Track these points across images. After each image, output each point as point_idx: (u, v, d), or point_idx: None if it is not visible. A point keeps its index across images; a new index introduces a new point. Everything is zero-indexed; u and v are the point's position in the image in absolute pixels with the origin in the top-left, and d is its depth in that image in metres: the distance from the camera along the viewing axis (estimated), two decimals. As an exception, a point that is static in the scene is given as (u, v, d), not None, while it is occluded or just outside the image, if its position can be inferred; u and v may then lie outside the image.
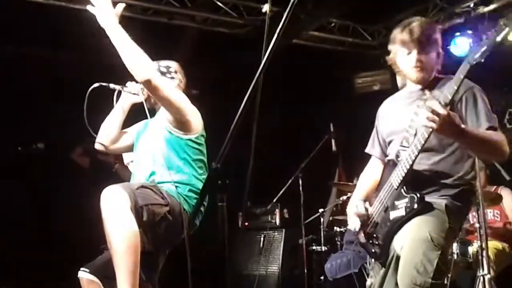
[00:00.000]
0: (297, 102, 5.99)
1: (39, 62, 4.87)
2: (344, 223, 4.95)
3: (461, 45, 5.16)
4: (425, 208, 2.36)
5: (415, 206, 2.35)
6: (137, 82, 2.85)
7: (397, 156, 2.48)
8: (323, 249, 4.96)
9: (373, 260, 2.59)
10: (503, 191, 4.85)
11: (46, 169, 4.74)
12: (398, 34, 2.49)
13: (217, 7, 5.22)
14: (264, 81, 1.79)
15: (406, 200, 2.39)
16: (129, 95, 3.07)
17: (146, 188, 2.71)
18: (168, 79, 3.05)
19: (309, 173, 5.11)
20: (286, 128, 5.86)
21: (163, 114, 2.93)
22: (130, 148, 3.16)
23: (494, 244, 4.53)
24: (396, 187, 2.44)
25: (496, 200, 4.67)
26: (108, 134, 3.12)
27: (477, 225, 4.13)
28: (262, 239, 5.39)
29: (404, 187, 2.41)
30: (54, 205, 4.83)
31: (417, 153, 2.32)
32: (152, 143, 2.93)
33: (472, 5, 5.30)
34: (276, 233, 5.44)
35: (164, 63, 3.11)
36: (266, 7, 1.94)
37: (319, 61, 5.75)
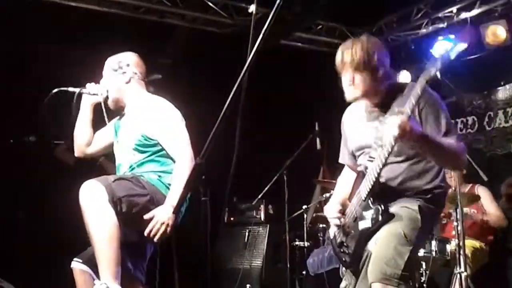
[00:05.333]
0: (283, 101, 6.05)
1: (34, 56, 4.89)
2: (327, 219, 5.03)
3: (443, 49, 5.27)
4: (390, 219, 2.43)
5: (380, 218, 2.43)
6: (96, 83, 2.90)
7: (366, 168, 2.54)
8: (306, 245, 5.03)
9: (344, 269, 2.66)
10: (480, 189, 4.94)
11: (37, 162, 4.75)
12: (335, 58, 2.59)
13: (207, 7, 5.28)
14: (250, 79, 1.86)
15: (372, 211, 2.47)
16: (89, 96, 3.04)
17: (124, 180, 2.72)
18: (119, 74, 3.00)
19: (294, 171, 5.19)
20: (272, 126, 5.93)
21: (143, 122, 2.89)
22: (109, 148, 3.13)
23: (471, 243, 4.62)
24: (363, 199, 2.50)
25: (473, 200, 4.78)
26: (80, 140, 3.10)
27: (455, 223, 4.24)
28: (247, 234, 5.45)
29: (371, 199, 2.48)
30: (46, 197, 4.85)
31: (381, 165, 2.39)
32: (131, 143, 2.92)
33: (455, 10, 5.41)
34: (260, 228, 5.52)
35: (115, 58, 3.05)
36: (252, 8, 1.98)
37: (306, 62, 5.83)
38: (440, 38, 5.29)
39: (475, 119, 5.63)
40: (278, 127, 5.91)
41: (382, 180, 2.48)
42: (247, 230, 5.50)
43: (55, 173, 4.73)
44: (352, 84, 2.52)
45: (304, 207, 5.10)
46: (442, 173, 2.58)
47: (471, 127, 5.67)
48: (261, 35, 1.82)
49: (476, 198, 4.75)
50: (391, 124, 2.25)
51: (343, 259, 2.63)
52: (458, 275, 4.04)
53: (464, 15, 5.37)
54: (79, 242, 2.80)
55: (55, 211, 4.60)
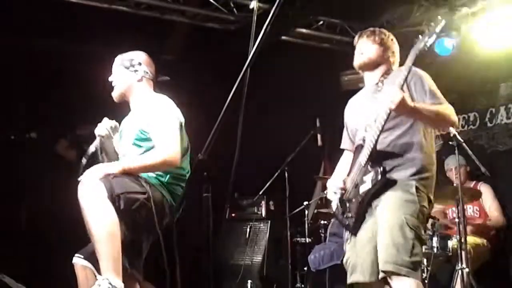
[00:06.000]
0: (284, 97, 6.05)
1: (33, 51, 4.89)
2: (328, 216, 5.04)
3: (445, 45, 5.26)
4: (389, 181, 2.65)
5: (379, 177, 2.63)
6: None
7: (363, 140, 2.78)
8: (307, 241, 5.05)
9: (348, 233, 2.84)
10: (483, 187, 4.94)
11: (38, 158, 4.76)
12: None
13: (208, 3, 5.28)
14: (251, 75, 1.87)
15: (372, 173, 2.68)
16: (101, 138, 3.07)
17: (122, 177, 2.73)
18: (131, 72, 3.05)
19: (295, 167, 5.20)
20: (273, 123, 5.92)
21: (142, 118, 2.93)
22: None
23: (473, 240, 4.62)
24: (363, 165, 2.72)
25: (475, 195, 4.78)
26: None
27: (456, 219, 4.24)
28: (248, 230, 5.49)
29: (370, 163, 2.69)
30: (47, 194, 4.85)
31: (379, 133, 2.63)
32: (132, 135, 2.95)
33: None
34: (261, 225, 5.54)
35: (127, 55, 3.10)
36: (253, 4, 2.01)
37: (307, 58, 5.82)
38: (442, 34, 5.27)
39: (477, 115, 5.62)
40: (279, 123, 5.90)
41: (379, 147, 2.69)
42: (248, 226, 5.52)
43: (56, 169, 4.73)
44: (362, 52, 2.87)
45: (305, 203, 5.12)
46: (432, 146, 2.81)
47: (472, 123, 5.66)
48: (262, 32, 1.83)
49: (478, 194, 4.76)
50: (386, 95, 2.55)
51: (346, 223, 2.83)
52: (460, 272, 4.04)
53: (465, 11, 5.34)
54: (80, 238, 2.80)
55: (56, 207, 4.60)
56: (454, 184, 4.99)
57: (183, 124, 3.00)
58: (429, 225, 4.52)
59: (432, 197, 2.77)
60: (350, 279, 2.79)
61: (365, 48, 2.88)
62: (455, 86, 5.28)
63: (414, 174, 2.68)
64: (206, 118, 2.32)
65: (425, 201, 2.69)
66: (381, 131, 2.64)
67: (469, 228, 4.48)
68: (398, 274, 2.52)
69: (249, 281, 5.11)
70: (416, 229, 2.59)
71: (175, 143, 2.84)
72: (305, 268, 4.81)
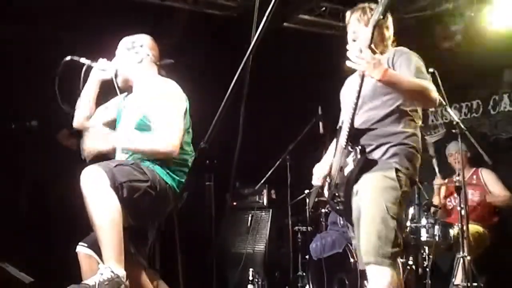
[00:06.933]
0: (286, 84, 6.02)
1: (35, 40, 4.86)
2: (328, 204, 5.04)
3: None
4: (369, 160, 2.57)
5: (359, 156, 2.56)
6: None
7: (342, 122, 2.71)
8: (308, 229, 5.05)
9: (342, 218, 2.81)
10: (484, 172, 4.99)
11: (39, 147, 4.74)
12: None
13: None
14: (253, 62, 1.85)
15: (352, 154, 2.61)
16: (98, 72, 3.07)
17: (124, 165, 2.72)
18: (132, 54, 3.03)
19: (297, 155, 5.18)
20: (275, 110, 5.90)
21: (146, 102, 2.90)
22: (110, 124, 3.13)
23: (475, 228, 4.64)
24: (344, 146, 2.65)
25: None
26: (82, 112, 3.11)
27: (458, 208, 4.25)
28: (249, 218, 5.49)
29: (350, 144, 2.62)
30: (48, 182, 4.85)
31: (353, 111, 2.57)
32: (133, 122, 2.92)
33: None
34: (263, 213, 5.55)
35: (130, 38, 3.09)
36: None
37: (309, 45, 5.78)
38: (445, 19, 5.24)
39: (480, 103, 5.60)
40: (281, 111, 5.88)
41: (357, 125, 2.62)
42: (250, 215, 5.52)
43: (57, 158, 4.72)
44: (354, 31, 2.72)
45: (306, 191, 5.10)
46: (419, 117, 2.72)
47: (475, 111, 5.64)
48: (264, 18, 1.81)
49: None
50: (353, 57, 2.44)
51: (337, 207, 2.77)
52: (461, 259, 4.06)
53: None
54: (83, 226, 2.79)
55: (58, 196, 4.60)
56: (456, 170, 5.00)
57: (187, 109, 2.97)
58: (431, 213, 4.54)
59: (416, 178, 2.67)
60: (361, 266, 2.76)
61: (357, 30, 2.71)
62: (458, 73, 5.25)
63: (394, 155, 2.58)
64: (208, 107, 2.29)
65: (406, 185, 2.59)
66: (355, 108, 2.56)
67: (471, 209, 4.51)
68: (380, 265, 2.47)
69: (251, 270, 5.11)
70: (398, 217, 2.52)
71: (176, 134, 2.81)
72: (307, 257, 4.81)
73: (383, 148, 2.59)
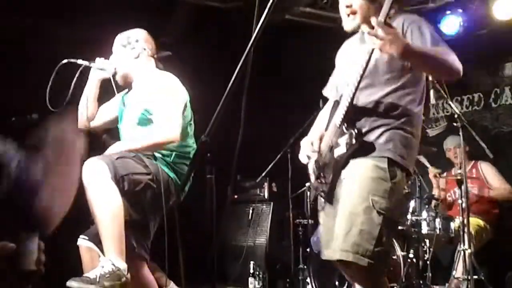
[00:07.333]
0: (288, 77, 6.00)
1: (35, 32, 4.85)
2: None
3: (451, 24, 5.20)
4: (365, 145, 2.30)
5: (353, 141, 2.30)
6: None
7: (341, 96, 2.43)
8: (309, 222, 5.04)
9: (323, 200, 2.51)
10: (483, 165, 4.98)
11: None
12: None
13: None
14: (254, 55, 1.84)
15: (346, 136, 2.33)
16: (97, 71, 3.05)
17: (126, 158, 2.72)
18: (129, 50, 3.02)
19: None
20: (276, 103, 5.89)
21: (146, 96, 2.90)
22: (113, 123, 3.15)
23: (476, 221, 4.65)
24: (338, 126, 2.38)
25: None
26: (84, 114, 3.10)
27: (459, 201, 4.25)
28: (250, 211, 5.50)
29: (345, 124, 2.35)
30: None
31: (354, 90, 2.28)
32: (135, 118, 2.93)
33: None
34: (264, 206, 5.55)
35: (125, 34, 3.08)
36: None
37: (311, 37, 5.76)
38: (448, 12, 5.21)
39: (481, 96, 5.58)
40: (282, 104, 5.86)
41: (360, 105, 2.35)
42: (251, 208, 5.53)
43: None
44: (350, 12, 2.41)
45: (307, 184, 5.09)
46: (420, 101, 2.42)
47: (477, 104, 5.62)
48: (266, 10, 1.80)
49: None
50: (369, 36, 2.11)
51: (321, 189, 2.49)
52: (462, 252, 4.06)
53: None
54: (84, 219, 2.79)
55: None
56: (455, 164, 5.01)
57: (188, 102, 2.98)
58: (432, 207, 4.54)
59: (412, 169, 2.38)
60: (324, 255, 2.42)
61: (354, 2, 2.41)
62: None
63: (389, 141, 2.30)
64: (209, 100, 2.29)
65: (399, 176, 2.29)
66: (357, 87, 2.28)
67: (472, 202, 4.51)
68: (357, 264, 2.17)
69: (252, 263, 5.12)
70: (386, 212, 2.20)
71: (176, 127, 2.82)
72: (308, 250, 4.81)
73: (378, 131, 2.32)
